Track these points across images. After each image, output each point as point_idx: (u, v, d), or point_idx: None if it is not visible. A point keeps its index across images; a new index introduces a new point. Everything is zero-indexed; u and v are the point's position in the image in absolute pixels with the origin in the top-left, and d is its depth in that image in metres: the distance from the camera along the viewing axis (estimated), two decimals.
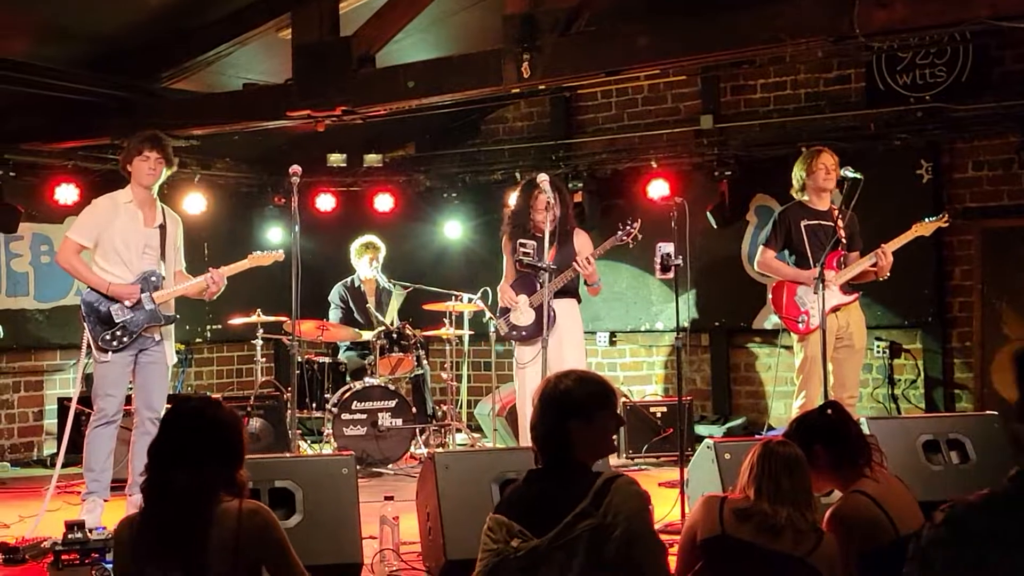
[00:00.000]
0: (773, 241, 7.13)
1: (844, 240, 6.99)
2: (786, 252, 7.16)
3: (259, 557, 3.19)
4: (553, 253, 6.81)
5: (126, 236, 6.20)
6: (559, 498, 3.22)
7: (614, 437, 3.57)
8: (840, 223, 6.97)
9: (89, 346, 6.16)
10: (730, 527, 3.56)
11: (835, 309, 6.91)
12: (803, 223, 7.02)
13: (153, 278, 6.24)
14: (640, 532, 3.18)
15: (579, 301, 7.16)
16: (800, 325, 6.96)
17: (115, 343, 6.12)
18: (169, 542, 3.14)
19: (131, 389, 6.38)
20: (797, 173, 7.12)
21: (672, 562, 3.46)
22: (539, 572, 3.16)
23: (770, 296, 7.27)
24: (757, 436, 7.33)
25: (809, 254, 6.96)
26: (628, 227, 6.70)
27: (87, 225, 6.24)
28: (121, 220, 6.21)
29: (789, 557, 3.51)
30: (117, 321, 6.13)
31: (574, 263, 6.78)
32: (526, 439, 6.23)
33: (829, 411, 4.15)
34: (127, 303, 6.12)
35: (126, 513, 5.80)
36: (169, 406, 7.00)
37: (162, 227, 6.33)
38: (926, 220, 7.02)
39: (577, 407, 3.32)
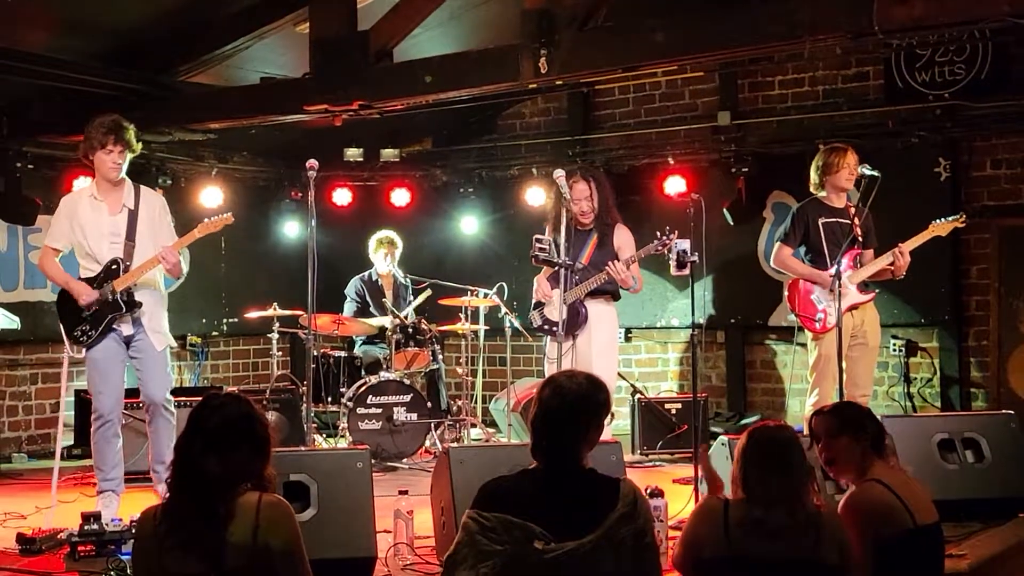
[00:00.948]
0: (790, 238, 7.10)
1: (860, 238, 6.96)
2: (802, 249, 7.13)
3: (273, 548, 3.20)
4: (592, 248, 6.78)
5: (90, 229, 6.14)
6: (582, 498, 3.24)
7: None
8: (856, 220, 6.94)
9: (64, 340, 6.18)
10: (737, 543, 3.49)
11: (851, 308, 6.88)
12: (821, 220, 6.98)
13: (115, 266, 6.13)
14: (653, 537, 3.32)
15: (617, 299, 7.01)
16: (816, 324, 6.93)
17: (83, 337, 6.10)
18: (191, 531, 3.16)
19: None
20: (817, 169, 7.07)
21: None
22: (574, 573, 3.15)
23: (786, 293, 7.25)
24: None
25: (826, 252, 6.92)
26: (665, 237, 6.54)
27: (55, 228, 6.23)
28: (84, 214, 6.15)
29: (795, 561, 3.48)
30: (83, 315, 6.11)
31: (607, 266, 6.70)
32: None
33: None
34: (81, 300, 6.07)
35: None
36: (199, 400, 7.07)
37: (131, 212, 6.20)
38: (943, 220, 6.97)
39: (592, 415, 3.37)
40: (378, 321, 8.89)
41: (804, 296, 7.02)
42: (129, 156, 6.19)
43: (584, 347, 6.75)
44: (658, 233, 6.59)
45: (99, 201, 6.18)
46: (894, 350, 8.92)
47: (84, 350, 6.14)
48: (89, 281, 6.13)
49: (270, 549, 3.17)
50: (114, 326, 6.13)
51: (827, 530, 3.52)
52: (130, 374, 6.32)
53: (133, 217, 6.20)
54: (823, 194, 7.09)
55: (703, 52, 6.49)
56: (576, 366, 6.47)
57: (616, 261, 6.71)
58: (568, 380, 3.43)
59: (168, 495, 3.31)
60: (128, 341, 6.18)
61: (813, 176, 7.11)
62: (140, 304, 6.15)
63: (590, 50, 6.44)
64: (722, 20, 6.20)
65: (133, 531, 5.07)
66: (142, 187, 6.38)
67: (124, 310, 6.13)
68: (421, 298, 9.07)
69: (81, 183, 8.73)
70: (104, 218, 6.17)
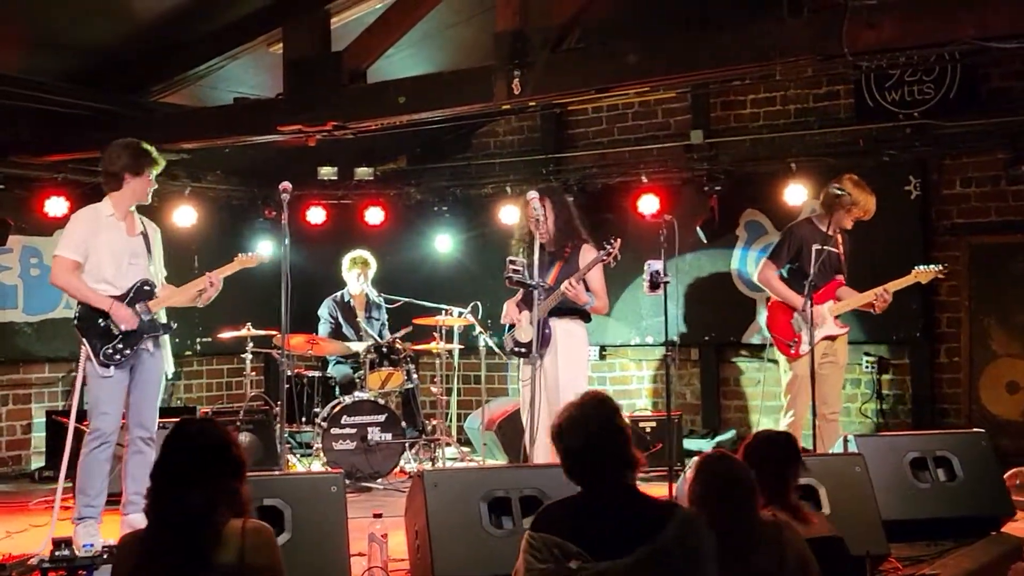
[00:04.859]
0: (780, 257, 7.11)
1: (844, 269, 7.06)
2: (785, 268, 7.16)
3: (259, 574, 3.19)
4: (557, 269, 6.77)
5: (111, 249, 6.07)
6: (619, 520, 3.24)
7: None
8: (842, 249, 7.02)
9: (90, 359, 5.98)
10: None
11: (826, 338, 6.97)
12: (815, 246, 6.95)
13: (147, 287, 6.13)
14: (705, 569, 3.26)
15: (588, 319, 6.93)
16: (791, 348, 6.99)
17: (117, 356, 5.99)
18: (179, 563, 3.14)
19: None
20: (837, 195, 6.95)
21: None
22: None
23: (765, 313, 7.28)
24: None
25: (812, 278, 6.97)
26: (608, 247, 6.56)
27: (76, 240, 6.04)
28: (104, 233, 6.07)
29: None
30: (116, 334, 6.02)
31: (564, 285, 6.67)
32: (537, 454, 6.24)
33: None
34: (123, 327, 6.01)
35: (121, 532, 5.81)
36: (169, 425, 7.02)
37: (144, 235, 6.23)
38: (925, 268, 7.01)
39: (611, 434, 3.36)
40: (353, 346, 8.86)
41: (783, 319, 7.07)
42: None
43: (551, 367, 6.72)
44: (605, 244, 6.59)
45: (119, 221, 6.13)
46: (866, 367, 8.99)
47: (112, 368, 5.98)
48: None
49: (255, 574, 3.16)
50: (141, 347, 6.09)
51: (789, 546, 3.54)
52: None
53: (147, 241, 6.22)
54: (818, 213, 7.14)
55: (675, 74, 6.54)
56: (545, 386, 6.48)
57: (569, 279, 6.66)
58: (591, 401, 3.42)
59: (148, 524, 3.27)
60: (139, 363, 6.11)
61: (825, 196, 7.07)
62: (174, 327, 6.22)
63: (563, 72, 6.48)
64: (694, 43, 6.26)
65: (106, 557, 5.04)
66: (143, 217, 6.35)
67: (161, 332, 6.14)
68: (402, 332, 8.98)
69: (55, 204, 8.71)
70: (124, 239, 6.12)
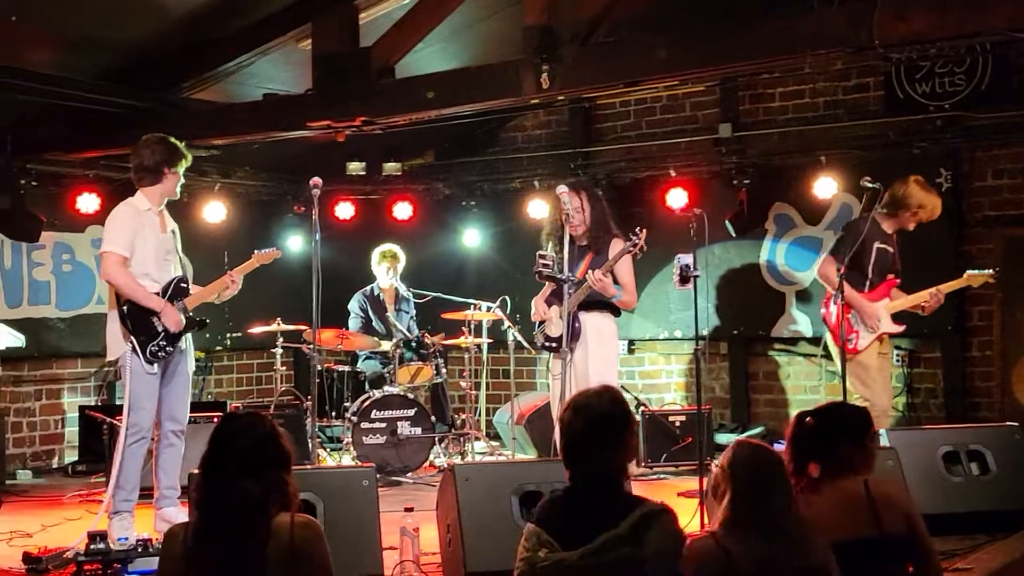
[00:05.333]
0: (841, 252, 7.02)
1: (899, 269, 7.11)
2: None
3: (309, 568, 3.20)
4: (587, 263, 6.79)
5: (150, 245, 6.13)
6: (593, 515, 3.25)
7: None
8: (897, 249, 7.04)
9: (136, 354, 6.01)
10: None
11: (881, 337, 6.99)
12: (876, 245, 7.00)
13: (183, 284, 6.21)
14: (669, 573, 3.21)
15: (618, 314, 7.00)
16: (849, 343, 6.97)
17: (161, 353, 6.06)
18: (231, 554, 3.15)
19: None
20: (905, 197, 6.99)
21: None
22: None
23: (823, 310, 7.24)
24: (777, 445, 7.33)
25: (870, 276, 6.99)
26: (634, 237, 6.62)
27: (123, 234, 6.05)
28: (147, 229, 6.13)
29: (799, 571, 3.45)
30: (161, 331, 6.07)
31: (591, 277, 6.69)
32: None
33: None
34: (172, 328, 6.06)
35: (155, 526, 5.87)
36: (200, 419, 7.08)
37: (174, 232, 6.32)
38: (977, 272, 7.06)
39: (618, 428, 3.36)
40: (383, 342, 8.89)
41: (842, 313, 7.05)
42: None
43: (581, 360, 6.74)
44: (631, 236, 6.62)
45: (155, 217, 6.20)
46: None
47: (155, 365, 6.06)
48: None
49: (306, 569, 3.18)
50: (180, 344, 6.18)
51: (816, 536, 3.48)
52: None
53: (175, 238, 6.31)
54: (883, 212, 7.10)
55: (704, 67, 6.52)
56: (575, 380, 6.49)
57: (595, 271, 6.70)
58: (592, 402, 3.42)
59: (198, 515, 3.28)
60: (169, 360, 6.17)
61: (893, 197, 7.04)
62: (207, 322, 6.30)
63: (591, 65, 6.47)
64: (723, 36, 6.23)
65: (140, 550, 5.09)
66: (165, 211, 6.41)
67: (197, 328, 6.22)
68: (436, 339, 9.00)
69: (87, 200, 8.80)
70: (160, 236, 6.21)
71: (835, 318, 7.00)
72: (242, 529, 3.16)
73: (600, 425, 3.35)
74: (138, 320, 6.04)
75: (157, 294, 6.10)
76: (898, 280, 7.15)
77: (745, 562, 3.31)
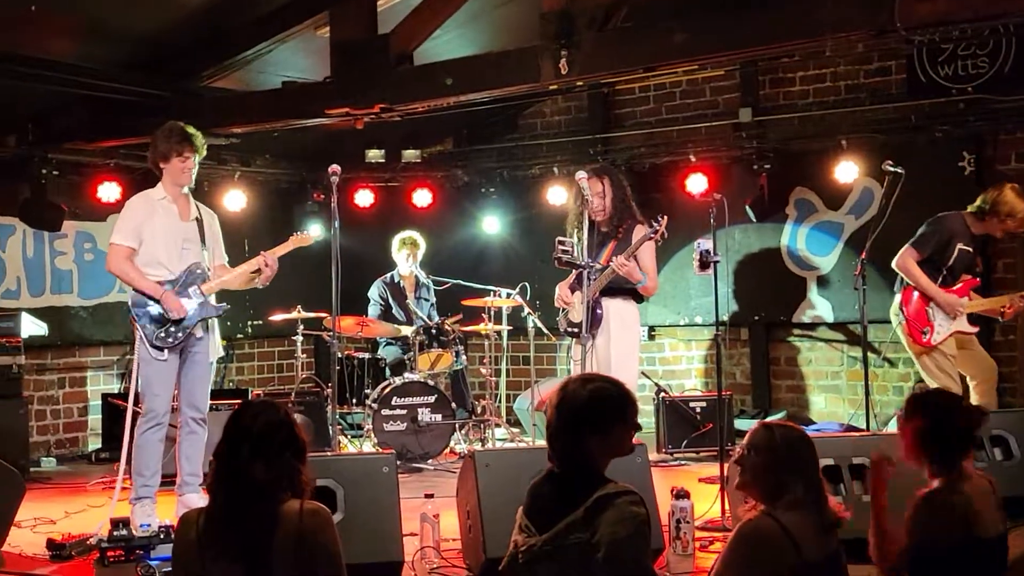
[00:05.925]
0: (924, 246, 6.98)
1: (980, 270, 7.11)
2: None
3: (317, 555, 3.21)
4: (611, 249, 6.78)
5: (164, 233, 6.16)
6: (562, 501, 3.23)
7: (633, 441, 3.48)
8: (979, 251, 7.05)
9: (143, 343, 6.07)
10: (808, 553, 3.34)
11: (955, 334, 6.98)
12: (959, 244, 6.96)
13: (199, 270, 6.21)
14: (624, 559, 3.11)
15: (640, 299, 6.98)
16: (924, 337, 6.96)
17: (171, 340, 6.08)
18: (238, 537, 3.16)
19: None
20: (999, 203, 6.92)
21: None
22: (537, 570, 3.20)
23: (899, 296, 7.17)
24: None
25: (944, 273, 6.96)
26: (656, 224, 6.62)
27: (129, 227, 6.14)
28: (158, 217, 6.16)
29: (835, 554, 3.46)
30: (167, 319, 6.10)
31: (615, 261, 6.69)
32: None
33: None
34: (173, 315, 6.09)
35: (176, 513, 5.90)
36: (222, 407, 7.11)
37: (198, 220, 6.31)
38: None
39: (595, 421, 3.29)
40: (403, 329, 8.90)
41: (919, 306, 7.02)
42: (197, 160, 6.27)
43: (603, 346, 6.74)
44: (652, 222, 6.61)
45: (171, 204, 6.22)
46: None
47: (166, 352, 6.09)
48: (164, 285, 6.13)
49: (314, 556, 3.19)
50: (194, 330, 6.17)
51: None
52: None
53: (201, 226, 6.30)
54: (972, 212, 7.04)
55: (723, 52, 6.46)
56: (596, 365, 6.48)
57: (619, 256, 6.69)
58: (577, 388, 3.36)
59: (210, 500, 3.30)
60: (189, 345, 6.19)
61: (982, 200, 7.00)
62: (227, 307, 6.28)
63: (610, 51, 6.43)
64: (742, 19, 6.18)
65: (162, 536, 5.12)
66: (199, 203, 6.45)
67: (215, 314, 6.20)
68: (453, 320, 9.02)
69: (108, 189, 8.85)
70: (178, 224, 6.22)
71: (912, 308, 6.97)
72: (250, 514, 3.17)
73: (580, 413, 3.29)
74: (144, 309, 6.12)
75: (170, 282, 6.13)
76: (978, 281, 7.11)
77: (803, 536, 3.33)
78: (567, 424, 3.30)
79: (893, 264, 7.12)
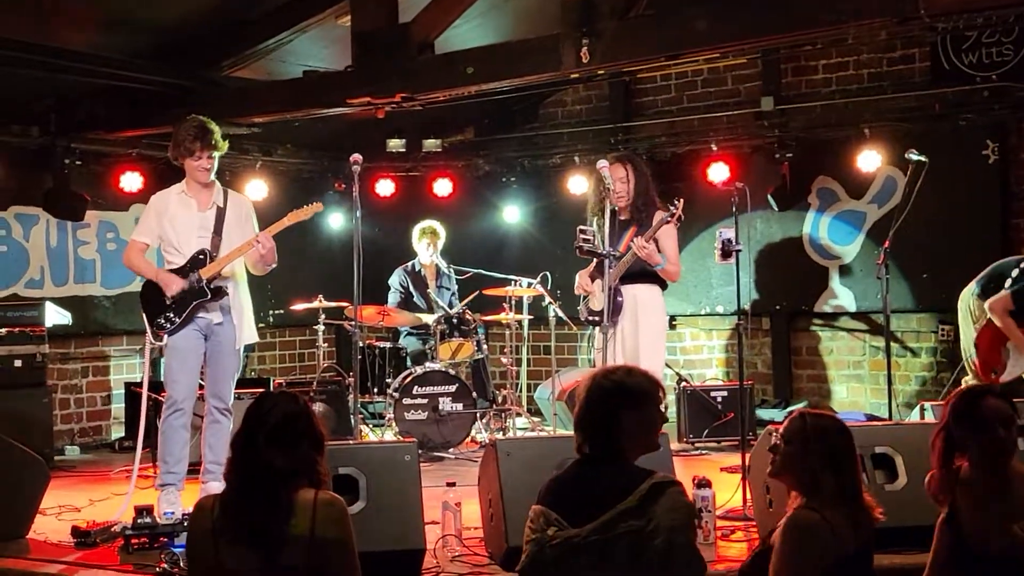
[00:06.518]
0: (1021, 299, 6.90)
1: None
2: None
3: (329, 545, 3.22)
4: (631, 236, 6.76)
5: (178, 223, 6.25)
6: (603, 490, 3.22)
7: (660, 434, 3.50)
8: None
9: (147, 330, 6.22)
10: (846, 545, 3.35)
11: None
12: None
13: (201, 256, 6.24)
14: (682, 545, 3.14)
15: (664, 286, 6.97)
16: (993, 375, 6.95)
17: (167, 324, 6.16)
18: (252, 525, 3.18)
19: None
20: None
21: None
22: (576, 562, 3.16)
23: (974, 334, 7.14)
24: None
25: None
26: (672, 207, 6.60)
27: (143, 224, 6.37)
28: (173, 209, 6.27)
29: (866, 547, 3.45)
30: (168, 303, 6.17)
31: (636, 244, 6.66)
32: None
33: None
34: (168, 292, 6.15)
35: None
36: (245, 396, 7.13)
37: (220, 209, 6.32)
38: None
39: (629, 397, 3.33)
40: (424, 317, 8.93)
41: (995, 345, 6.99)
42: (217, 156, 6.28)
43: (630, 332, 6.73)
44: (669, 206, 6.59)
45: (189, 198, 6.30)
46: (943, 336, 8.82)
47: (165, 336, 6.17)
48: (175, 272, 6.20)
49: (326, 546, 3.20)
50: (199, 314, 6.21)
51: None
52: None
53: (221, 214, 6.32)
54: None
55: (746, 39, 6.43)
56: (623, 351, 6.47)
57: (639, 238, 6.67)
58: (610, 370, 3.43)
59: (225, 488, 3.32)
60: (210, 332, 6.25)
61: None
62: (226, 292, 6.27)
63: (632, 39, 6.40)
64: (765, 7, 6.13)
65: (186, 524, 5.14)
66: (230, 190, 6.51)
67: (209, 297, 6.22)
68: (468, 299, 9.05)
69: (131, 179, 8.90)
70: (194, 213, 6.29)
71: (987, 348, 6.96)
72: (265, 502, 3.19)
73: (614, 389, 3.34)
74: (148, 297, 6.27)
75: (180, 267, 6.21)
76: None
77: (845, 532, 3.33)
78: (601, 399, 3.33)
79: (986, 306, 7.01)
